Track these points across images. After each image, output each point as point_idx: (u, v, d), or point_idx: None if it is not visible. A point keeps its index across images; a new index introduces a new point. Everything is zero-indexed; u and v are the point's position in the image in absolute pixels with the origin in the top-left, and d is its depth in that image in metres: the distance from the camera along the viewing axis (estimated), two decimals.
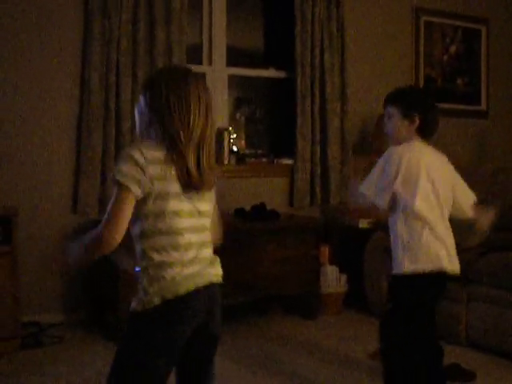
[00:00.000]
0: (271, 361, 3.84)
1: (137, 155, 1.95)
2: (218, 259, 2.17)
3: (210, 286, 2.09)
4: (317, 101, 5.20)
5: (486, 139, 6.33)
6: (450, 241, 2.91)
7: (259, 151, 5.45)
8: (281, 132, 5.59)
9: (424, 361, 2.99)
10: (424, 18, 5.95)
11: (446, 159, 3.00)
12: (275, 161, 5.29)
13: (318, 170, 5.24)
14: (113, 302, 4.11)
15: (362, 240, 4.74)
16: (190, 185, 2.01)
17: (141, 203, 1.97)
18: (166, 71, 2.23)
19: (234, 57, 5.25)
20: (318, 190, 5.24)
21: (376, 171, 2.86)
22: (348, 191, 2.78)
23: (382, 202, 2.84)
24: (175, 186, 1.99)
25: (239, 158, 5.14)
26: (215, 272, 2.13)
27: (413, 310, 2.94)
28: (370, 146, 5.18)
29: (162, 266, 2.00)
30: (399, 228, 2.87)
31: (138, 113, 2.12)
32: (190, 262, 2.04)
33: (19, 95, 4.30)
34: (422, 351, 3.00)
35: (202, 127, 2.04)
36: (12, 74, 4.27)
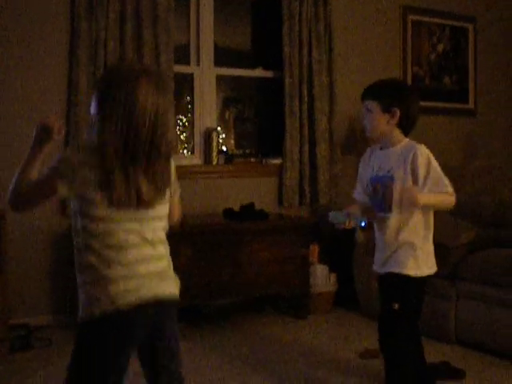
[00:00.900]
0: (262, 360, 3.83)
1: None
2: (175, 276, 2.10)
3: (159, 302, 2.00)
4: (305, 100, 5.20)
5: (474, 137, 6.35)
6: None
7: (248, 151, 5.45)
8: (269, 132, 5.59)
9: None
10: (411, 17, 5.96)
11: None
12: (264, 161, 5.28)
13: (307, 170, 5.24)
14: None
15: (352, 239, 4.75)
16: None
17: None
18: (115, 70, 2.07)
19: (222, 57, 5.25)
20: (306, 189, 5.24)
21: (437, 166, 2.82)
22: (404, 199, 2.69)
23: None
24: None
25: (228, 157, 5.14)
26: (167, 288, 2.04)
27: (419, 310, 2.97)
28: (359, 144, 5.19)
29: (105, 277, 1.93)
30: (422, 226, 2.90)
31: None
32: (135, 275, 1.96)
33: (5, 96, 4.28)
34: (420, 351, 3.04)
35: (146, 138, 1.92)
36: (0, 76, 4.26)
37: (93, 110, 1.99)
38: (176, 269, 2.14)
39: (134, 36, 4.57)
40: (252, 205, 4.78)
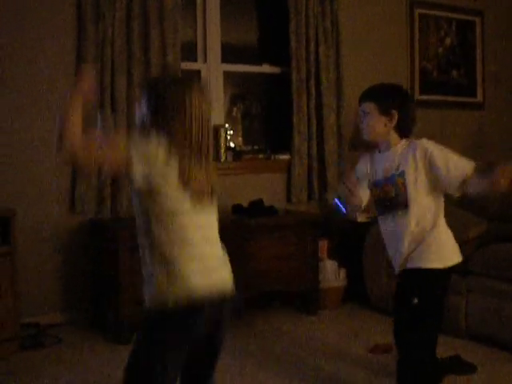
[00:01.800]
0: (271, 356, 3.84)
1: None
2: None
3: (224, 296, 2.12)
4: (312, 96, 5.19)
5: (482, 131, 6.33)
6: None
7: (256, 147, 5.45)
8: (277, 128, 5.58)
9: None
10: (418, 11, 5.94)
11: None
12: (272, 157, 5.28)
13: (315, 166, 5.24)
14: (113, 303, 4.11)
15: (361, 234, 4.74)
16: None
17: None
18: (166, 76, 2.26)
19: (229, 53, 5.24)
20: (315, 184, 5.24)
21: (447, 149, 2.84)
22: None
23: None
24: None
25: (236, 154, 5.14)
26: (230, 283, 2.17)
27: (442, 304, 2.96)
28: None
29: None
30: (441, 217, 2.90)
31: (140, 113, 2.12)
32: (208, 269, 2.08)
33: (14, 98, 4.29)
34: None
35: (204, 139, 2.07)
36: (6, 76, 4.26)
37: (146, 111, 2.08)
38: None
39: (141, 34, 4.56)
40: (261, 201, 4.78)
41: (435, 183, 2.82)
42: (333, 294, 4.83)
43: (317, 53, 5.21)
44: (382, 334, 4.00)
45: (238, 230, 4.39)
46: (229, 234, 4.31)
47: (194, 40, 5.13)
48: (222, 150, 5.01)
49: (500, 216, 4.54)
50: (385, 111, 2.85)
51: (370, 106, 2.88)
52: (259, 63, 5.47)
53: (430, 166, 2.80)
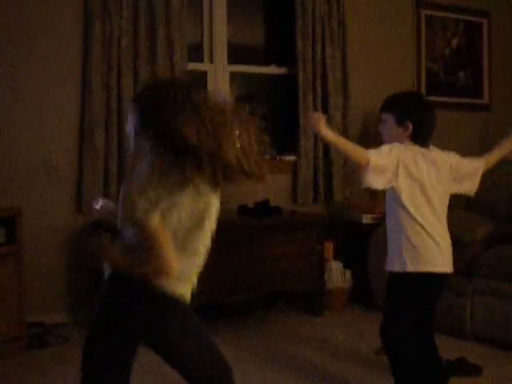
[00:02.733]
0: (277, 357, 3.84)
1: None
2: None
3: None
4: (319, 96, 5.19)
5: (489, 132, 6.31)
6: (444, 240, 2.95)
7: (262, 148, 5.43)
8: (284, 128, 5.58)
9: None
10: (425, 12, 5.93)
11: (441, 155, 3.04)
12: (278, 157, 5.27)
13: (322, 166, 5.23)
14: None
15: (366, 235, 4.74)
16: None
17: None
18: (169, 83, 2.16)
19: (236, 54, 5.24)
20: (321, 185, 5.24)
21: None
22: None
23: None
24: None
25: None
26: None
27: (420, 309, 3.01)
28: (373, 140, 5.17)
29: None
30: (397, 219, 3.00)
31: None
32: None
33: (21, 96, 4.30)
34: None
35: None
36: (13, 75, 4.27)
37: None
38: None
39: (148, 34, 4.57)
40: (267, 201, 4.78)
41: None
42: (338, 295, 4.83)
43: (323, 53, 5.20)
44: None
45: (243, 230, 4.39)
46: (234, 234, 4.35)
47: (200, 41, 5.13)
48: None
49: (507, 217, 4.53)
50: (400, 123, 2.95)
51: (387, 117, 3.01)
52: (266, 64, 5.47)
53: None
